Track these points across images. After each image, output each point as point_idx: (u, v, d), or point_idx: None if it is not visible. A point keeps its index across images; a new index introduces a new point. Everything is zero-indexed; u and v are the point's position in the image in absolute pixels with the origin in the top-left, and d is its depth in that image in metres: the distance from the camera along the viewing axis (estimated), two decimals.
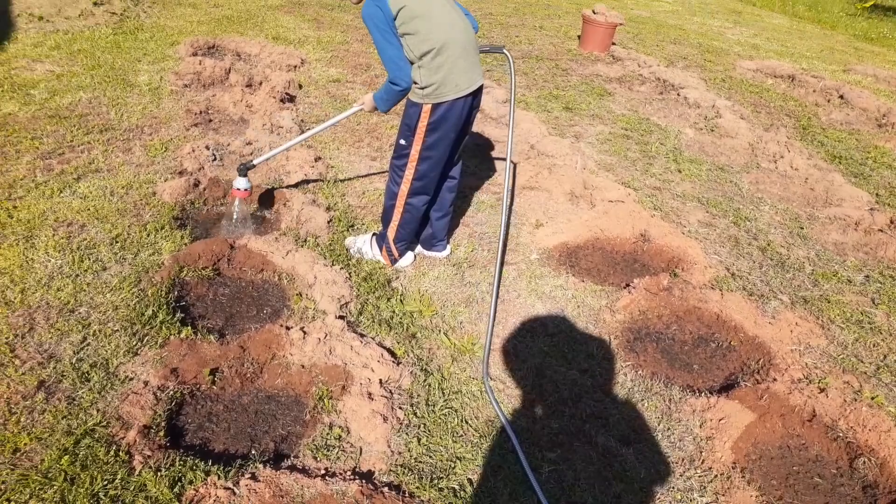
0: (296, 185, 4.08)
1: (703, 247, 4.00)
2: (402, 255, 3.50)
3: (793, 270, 3.92)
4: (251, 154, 4.33)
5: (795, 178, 5.23)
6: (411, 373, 2.72)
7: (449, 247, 3.71)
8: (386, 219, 3.36)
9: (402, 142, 3.10)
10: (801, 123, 6.55)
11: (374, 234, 3.55)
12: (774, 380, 2.92)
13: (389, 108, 3.12)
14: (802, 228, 4.44)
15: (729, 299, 3.45)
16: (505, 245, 3.58)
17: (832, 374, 3.03)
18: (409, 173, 3.14)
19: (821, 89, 7.77)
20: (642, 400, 2.77)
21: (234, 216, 3.61)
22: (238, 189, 3.57)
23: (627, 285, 3.52)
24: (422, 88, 2.90)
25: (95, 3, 6.77)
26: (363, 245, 3.54)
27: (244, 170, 3.57)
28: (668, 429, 2.64)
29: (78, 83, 5.13)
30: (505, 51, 3.18)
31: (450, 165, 3.30)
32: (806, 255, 4.11)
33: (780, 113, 6.84)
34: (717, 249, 4.04)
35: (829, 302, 3.62)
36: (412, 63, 2.91)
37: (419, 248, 3.65)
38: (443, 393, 2.67)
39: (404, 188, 3.19)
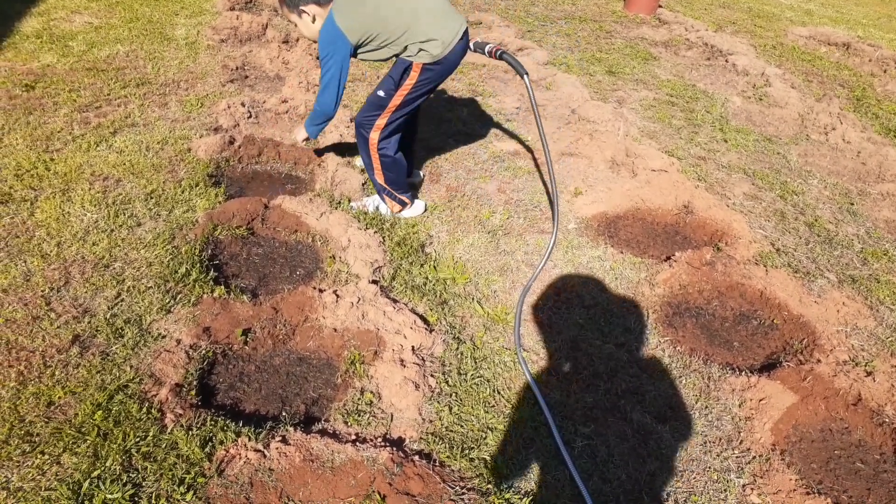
0: (331, 146, 4.02)
1: (748, 220, 3.85)
2: (409, 199, 3.52)
3: (841, 248, 3.76)
4: (287, 112, 4.28)
5: (847, 151, 5.01)
6: (444, 341, 2.68)
7: (420, 173, 3.94)
8: (368, 169, 3.39)
9: (381, 93, 3.12)
10: (854, 94, 6.26)
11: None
12: (819, 361, 2.82)
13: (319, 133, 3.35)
14: (853, 204, 4.26)
15: (773, 276, 3.32)
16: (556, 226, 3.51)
17: (880, 356, 2.91)
18: (382, 121, 3.17)
19: (877, 59, 7.40)
20: (680, 377, 2.69)
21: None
22: None
23: (668, 258, 3.41)
24: (414, 54, 2.97)
25: None
26: (377, 202, 3.55)
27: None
28: (706, 407, 2.57)
29: (116, 36, 5.10)
30: (526, 78, 3.15)
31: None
32: (855, 233, 3.94)
33: (832, 83, 6.54)
34: (762, 224, 3.89)
35: (878, 282, 3.47)
36: (397, 54, 3.01)
37: None
38: (475, 362, 2.63)
39: (374, 136, 3.21)
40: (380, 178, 3.37)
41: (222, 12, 5.79)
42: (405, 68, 3.02)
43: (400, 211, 3.52)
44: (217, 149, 3.72)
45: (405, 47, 2.96)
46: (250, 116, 4.14)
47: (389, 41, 2.95)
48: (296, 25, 3.09)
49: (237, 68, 4.86)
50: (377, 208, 3.54)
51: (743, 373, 2.74)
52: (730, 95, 5.83)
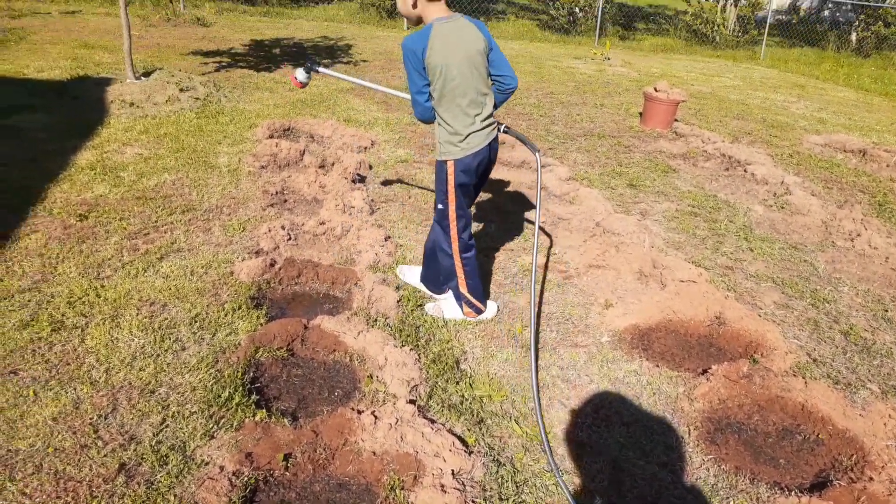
0: (367, 265, 4.16)
1: (782, 330, 3.85)
2: (484, 304, 3.73)
3: (880, 356, 3.72)
4: (324, 233, 4.47)
5: (875, 257, 5.03)
6: (483, 464, 2.66)
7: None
8: (448, 276, 3.62)
9: (440, 206, 3.43)
10: (876, 199, 6.35)
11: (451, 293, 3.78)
12: (871, 479, 2.73)
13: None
14: (887, 311, 4.24)
15: (813, 388, 3.28)
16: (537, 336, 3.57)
17: None
18: (454, 232, 3.45)
19: (895, 164, 7.55)
20: (727, 498, 2.62)
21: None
22: (295, 78, 3.97)
23: (705, 371, 3.40)
24: (443, 143, 3.28)
25: (181, 90, 7.24)
26: (445, 308, 3.75)
27: (309, 68, 3.95)
28: None
29: (163, 165, 5.44)
30: (538, 154, 3.35)
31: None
32: (893, 340, 3.90)
33: (852, 189, 6.66)
34: (796, 333, 3.88)
35: None
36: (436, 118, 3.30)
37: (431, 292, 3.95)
38: (516, 486, 2.60)
39: (455, 246, 3.48)
40: (463, 287, 3.61)
41: (262, 140, 6.16)
42: (442, 169, 3.33)
43: (475, 316, 3.73)
44: (258, 271, 3.87)
45: (441, 126, 3.25)
46: (290, 238, 4.33)
47: (437, 98, 3.19)
48: None
49: (277, 193, 5.12)
50: (443, 315, 3.74)
51: (793, 492, 2.66)
52: (751, 204, 5.95)
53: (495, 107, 3.38)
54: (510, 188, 5.82)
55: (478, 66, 3.19)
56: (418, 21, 3.19)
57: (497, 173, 6.20)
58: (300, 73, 3.99)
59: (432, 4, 3.11)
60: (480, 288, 3.70)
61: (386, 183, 5.64)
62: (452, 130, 3.24)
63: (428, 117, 3.30)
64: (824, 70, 16.05)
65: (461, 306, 3.69)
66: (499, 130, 3.46)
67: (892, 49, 20.57)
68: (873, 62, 18.70)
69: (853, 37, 20.23)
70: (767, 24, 18.54)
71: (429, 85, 3.18)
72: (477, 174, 3.38)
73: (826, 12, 25.02)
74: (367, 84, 4.20)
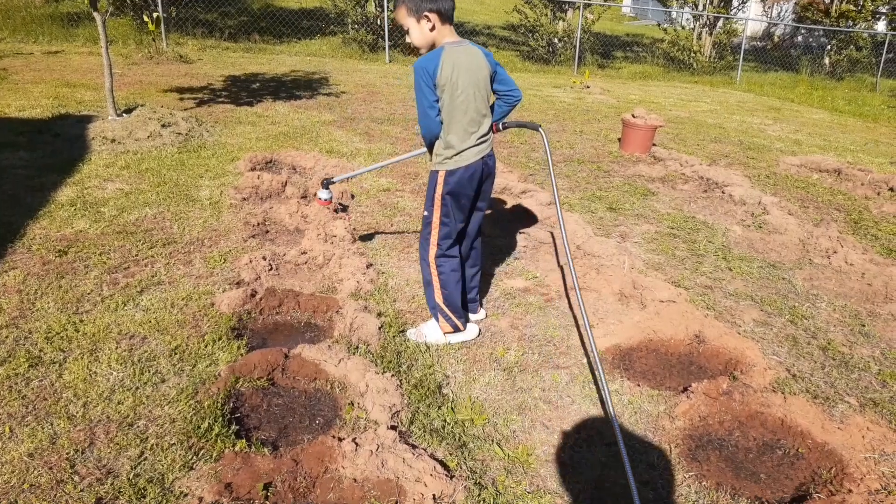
0: (348, 293, 4.17)
1: (761, 347, 3.89)
2: (462, 325, 3.74)
3: (858, 370, 3.76)
4: (306, 263, 4.49)
5: (851, 273, 5.11)
6: (465, 487, 2.65)
7: (483, 311, 4.12)
8: (428, 289, 3.68)
9: (426, 213, 3.53)
10: (851, 217, 6.46)
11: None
12: (850, 491, 2.75)
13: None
14: (864, 326, 4.29)
15: (792, 403, 3.31)
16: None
17: None
18: (434, 238, 3.53)
19: (869, 182, 7.70)
20: None
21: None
22: (320, 199, 4.35)
23: (685, 389, 3.42)
24: (437, 154, 3.42)
25: (163, 125, 7.28)
26: (426, 331, 3.76)
27: (326, 184, 4.33)
28: None
29: (144, 200, 5.46)
30: (541, 129, 3.58)
31: (466, 226, 3.68)
32: (871, 354, 3.95)
33: (828, 207, 6.78)
34: (775, 349, 3.92)
35: None
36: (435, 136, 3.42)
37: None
38: None
39: (433, 252, 3.56)
40: (439, 299, 3.64)
41: (244, 173, 6.20)
42: (433, 177, 3.45)
43: (450, 333, 3.73)
44: (239, 302, 3.87)
45: (440, 139, 3.39)
46: (271, 269, 4.34)
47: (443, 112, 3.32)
48: (408, 30, 3.29)
49: (258, 224, 5.14)
50: (426, 339, 3.74)
51: None
52: (730, 225, 6.04)
53: (503, 116, 3.62)
54: (491, 214, 5.87)
55: (481, 88, 3.37)
56: (432, 47, 3.34)
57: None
58: (323, 193, 4.25)
59: (446, 27, 3.28)
60: (458, 303, 3.68)
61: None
62: (448, 144, 3.38)
63: (435, 131, 3.39)
64: (799, 93, 16.42)
65: (437, 319, 3.69)
66: (498, 131, 3.63)
67: (864, 72, 21.11)
68: (846, 85, 19.17)
69: (826, 61, 20.75)
70: (742, 50, 18.98)
71: (438, 101, 3.32)
72: (471, 186, 3.47)
73: (799, 38, 25.65)
74: (386, 163, 4.71)
